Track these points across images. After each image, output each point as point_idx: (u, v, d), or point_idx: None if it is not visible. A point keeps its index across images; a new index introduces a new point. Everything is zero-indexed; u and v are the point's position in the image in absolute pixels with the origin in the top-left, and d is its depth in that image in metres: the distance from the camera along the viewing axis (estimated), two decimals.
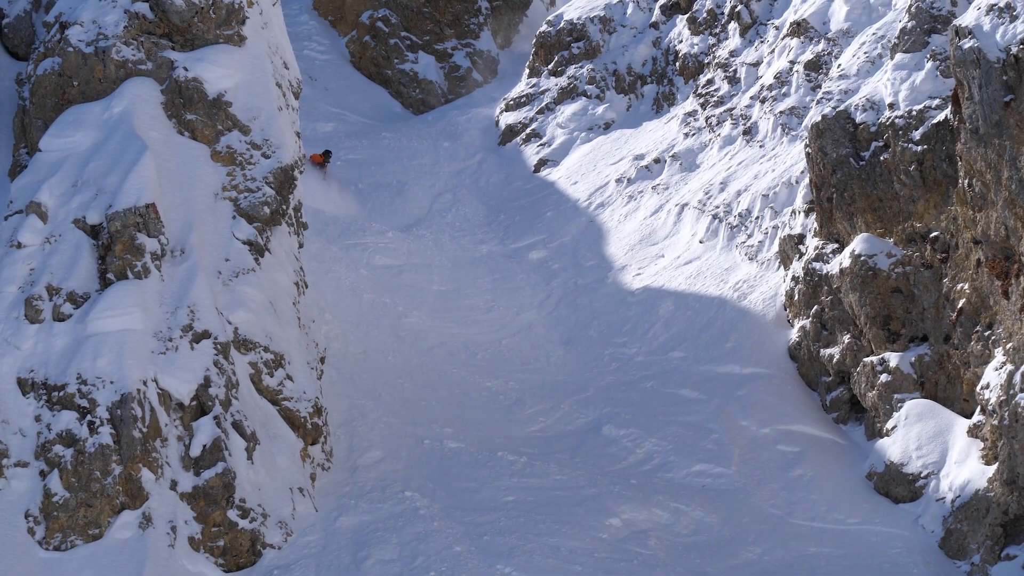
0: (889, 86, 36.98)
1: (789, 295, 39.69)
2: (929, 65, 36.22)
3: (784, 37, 47.53)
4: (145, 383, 28.94)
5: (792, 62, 46.48)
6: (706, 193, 45.74)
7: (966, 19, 31.98)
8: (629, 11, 56.15)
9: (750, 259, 42.39)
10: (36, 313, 29.96)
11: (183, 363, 29.86)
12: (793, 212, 41.56)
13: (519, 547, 28.97)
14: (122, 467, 28.19)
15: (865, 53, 40.22)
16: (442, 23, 62.48)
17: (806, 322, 38.66)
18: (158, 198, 31.78)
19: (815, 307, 38.53)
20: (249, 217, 34.37)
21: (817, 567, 29.46)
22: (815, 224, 39.53)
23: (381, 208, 52.15)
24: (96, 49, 35.56)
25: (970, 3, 34.18)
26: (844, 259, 36.83)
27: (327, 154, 51.05)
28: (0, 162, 37.90)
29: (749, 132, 46.98)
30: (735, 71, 49.69)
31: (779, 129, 45.57)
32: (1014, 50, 30.51)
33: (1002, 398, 30.65)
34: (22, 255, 31.01)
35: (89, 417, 28.47)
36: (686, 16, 53.95)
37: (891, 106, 36.14)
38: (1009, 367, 30.93)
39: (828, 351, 37.48)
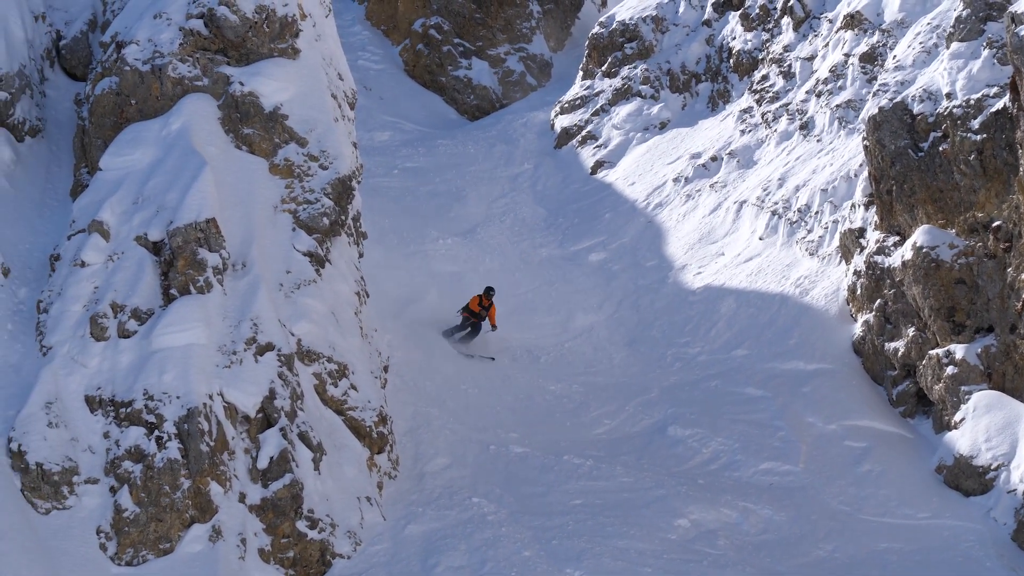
0: (946, 76, 36.51)
1: (851, 289, 39.35)
2: (986, 53, 35.71)
3: (838, 30, 47.05)
4: (211, 397, 29.04)
5: (847, 55, 46.05)
6: (764, 190, 45.51)
7: (1022, 6, 31.87)
8: (681, 9, 55.58)
9: (811, 254, 42.17)
10: (101, 331, 29.87)
11: (248, 376, 29.85)
12: (853, 206, 41.01)
13: (588, 550, 28.86)
14: (191, 481, 28.24)
15: (920, 43, 39.58)
16: (494, 28, 62.09)
17: (869, 316, 38.25)
18: (218, 213, 31.72)
19: (878, 301, 38.15)
20: (308, 228, 34.26)
21: (888, 563, 29.20)
22: (875, 217, 39.08)
23: (440, 215, 51.65)
24: (152, 67, 35.37)
25: None
26: (906, 252, 36.36)
27: (489, 293, 39.19)
28: (61, 182, 37.75)
29: (806, 127, 46.64)
30: (789, 66, 49.31)
31: (836, 123, 45.09)
32: None
33: None
34: (86, 274, 30.98)
35: (157, 432, 28.49)
36: (738, 12, 53.32)
37: (948, 96, 35.76)
38: None
39: (893, 345, 37.11)
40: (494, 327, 38.43)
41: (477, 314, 38.25)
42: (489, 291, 38.31)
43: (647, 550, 29.40)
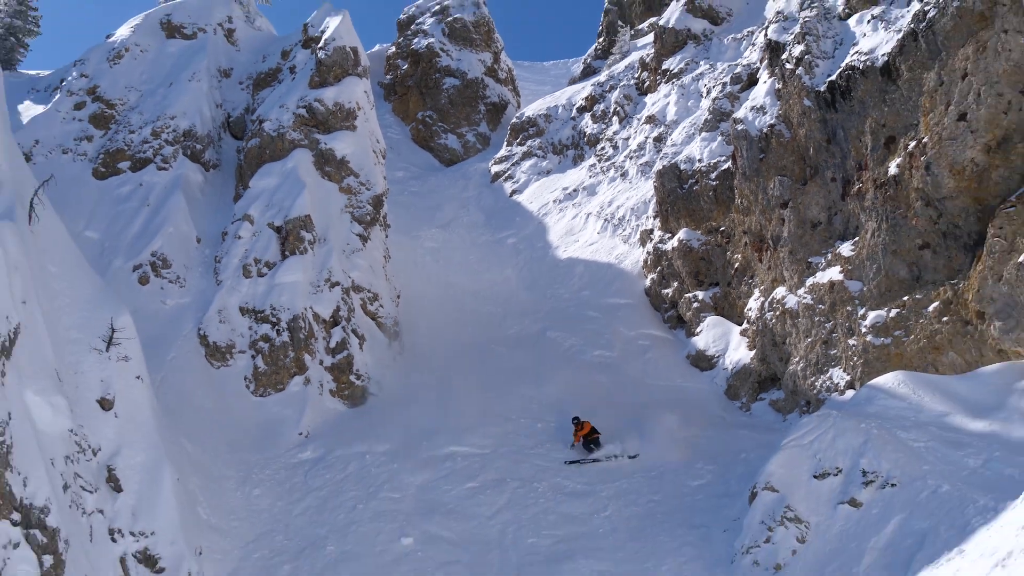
0: (698, 150, 46.54)
1: (645, 262, 48.74)
2: (720, 139, 45.62)
3: (642, 124, 57.63)
4: (306, 309, 39.59)
5: (646, 137, 56.37)
6: (601, 207, 55.45)
7: (739, 114, 42.04)
8: (560, 111, 66.33)
9: (625, 242, 51.82)
10: (248, 273, 40.54)
11: (325, 298, 40.54)
12: (647, 217, 50.42)
13: (505, 383, 39.86)
14: (294, 353, 38.94)
15: (686, 132, 49.55)
16: (460, 118, 71.26)
17: (654, 275, 47.62)
18: (311, 212, 42.13)
19: (658, 268, 47.27)
20: (358, 221, 44.56)
21: (662, 401, 38.13)
22: (658, 223, 48.15)
23: (429, 216, 60.30)
24: (278, 133, 45.23)
25: (742, 105, 43.16)
26: (674, 242, 45.96)
27: (579, 425, 35.18)
28: (228, 194, 46.68)
29: (624, 175, 56.61)
30: (616, 143, 59.69)
31: (639, 173, 55.55)
32: (764, 131, 39.81)
33: (757, 315, 40.09)
34: (241, 243, 41.81)
35: (277, 327, 39.20)
36: (589, 114, 64.01)
37: (699, 160, 45.96)
38: (761, 299, 40.09)
39: (665, 291, 46.51)
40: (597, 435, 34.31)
41: (588, 438, 34.25)
42: (575, 419, 35.00)
43: (539, 394, 39.44)
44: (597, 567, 27.16)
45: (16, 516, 23.47)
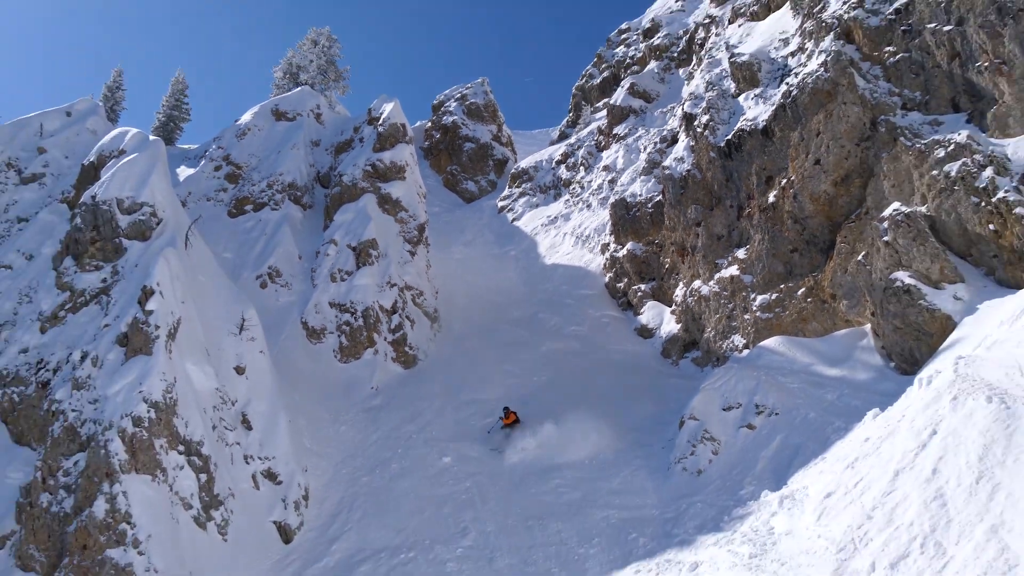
0: (639, 188, 46.24)
1: (604, 265, 47.40)
2: (653, 180, 45.38)
3: (600, 171, 56.25)
4: (374, 303, 39.22)
5: (603, 180, 55.14)
6: (574, 228, 54.17)
7: (666, 163, 41.44)
8: (544, 164, 64.50)
9: (590, 252, 50.38)
10: (334, 279, 40.34)
11: (387, 295, 39.87)
12: (605, 234, 49.15)
13: (512, 353, 38.65)
14: (366, 332, 38.42)
15: (630, 176, 48.78)
16: (475, 170, 68.99)
17: (611, 274, 46.17)
18: (376, 236, 41.84)
19: (614, 269, 46.02)
20: (408, 242, 43.57)
21: (617, 362, 37.56)
22: (613, 239, 46.92)
23: (455, 237, 58.81)
24: (353, 182, 44.76)
25: (668, 156, 42.60)
26: (624, 251, 44.82)
27: (507, 415, 31.09)
28: (318, 225, 45.82)
29: (589, 206, 55.13)
30: (583, 184, 58.34)
31: (600, 204, 53.98)
32: (683, 175, 39.32)
33: (682, 300, 38.75)
34: (329, 258, 41.42)
35: (355, 316, 38.78)
36: (564, 165, 62.15)
37: (640, 195, 45.58)
38: (684, 289, 38.84)
39: (619, 285, 45.15)
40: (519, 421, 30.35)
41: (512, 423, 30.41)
42: (506, 409, 31.00)
43: (533, 356, 38.72)
44: (574, 474, 27.15)
45: (181, 448, 24.51)
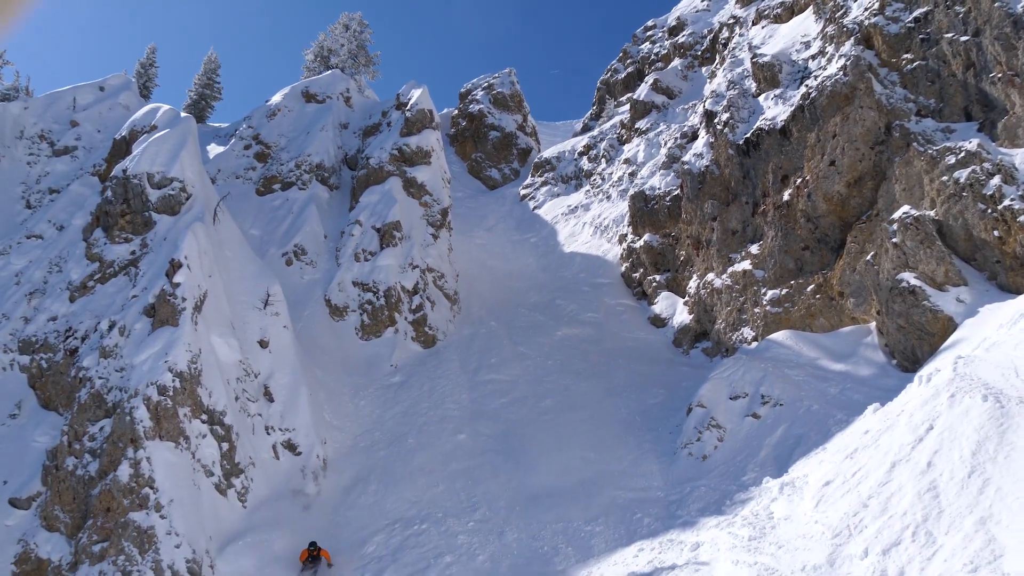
0: (658, 181, 46.02)
1: (621, 255, 46.88)
2: (672, 174, 45.33)
3: (621, 164, 55.59)
4: (396, 284, 38.93)
5: (624, 173, 54.52)
6: (593, 218, 53.67)
7: (685, 158, 41.55)
8: (566, 154, 63.54)
9: (608, 242, 49.89)
10: (358, 258, 39.99)
11: (408, 276, 39.53)
12: (623, 225, 48.61)
13: (531, 338, 38.19)
14: (388, 312, 38.20)
15: (650, 170, 48.81)
16: (500, 158, 69.01)
17: (627, 264, 45.71)
18: (400, 218, 41.58)
19: (630, 259, 45.61)
20: (431, 225, 43.07)
21: (631, 349, 37.37)
22: (631, 230, 46.43)
23: (478, 222, 58.44)
24: (379, 166, 44.53)
25: (687, 152, 42.56)
26: (641, 242, 44.46)
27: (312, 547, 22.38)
28: (344, 206, 45.54)
29: (609, 197, 54.44)
30: (604, 176, 57.53)
31: (619, 196, 53.31)
32: (701, 170, 39.30)
33: (695, 291, 38.19)
34: (353, 239, 41.06)
35: (377, 295, 38.54)
36: (586, 156, 61.06)
37: (659, 188, 45.38)
38: (698, 281, 38.49)
39: (635, 275, 44.67)
40: (330, 564, 22.20)
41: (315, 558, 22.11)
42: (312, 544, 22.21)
43: (549, 340, 38.42)
44: (583, 455, 27.36)
45: (204, 417, 24.72)
